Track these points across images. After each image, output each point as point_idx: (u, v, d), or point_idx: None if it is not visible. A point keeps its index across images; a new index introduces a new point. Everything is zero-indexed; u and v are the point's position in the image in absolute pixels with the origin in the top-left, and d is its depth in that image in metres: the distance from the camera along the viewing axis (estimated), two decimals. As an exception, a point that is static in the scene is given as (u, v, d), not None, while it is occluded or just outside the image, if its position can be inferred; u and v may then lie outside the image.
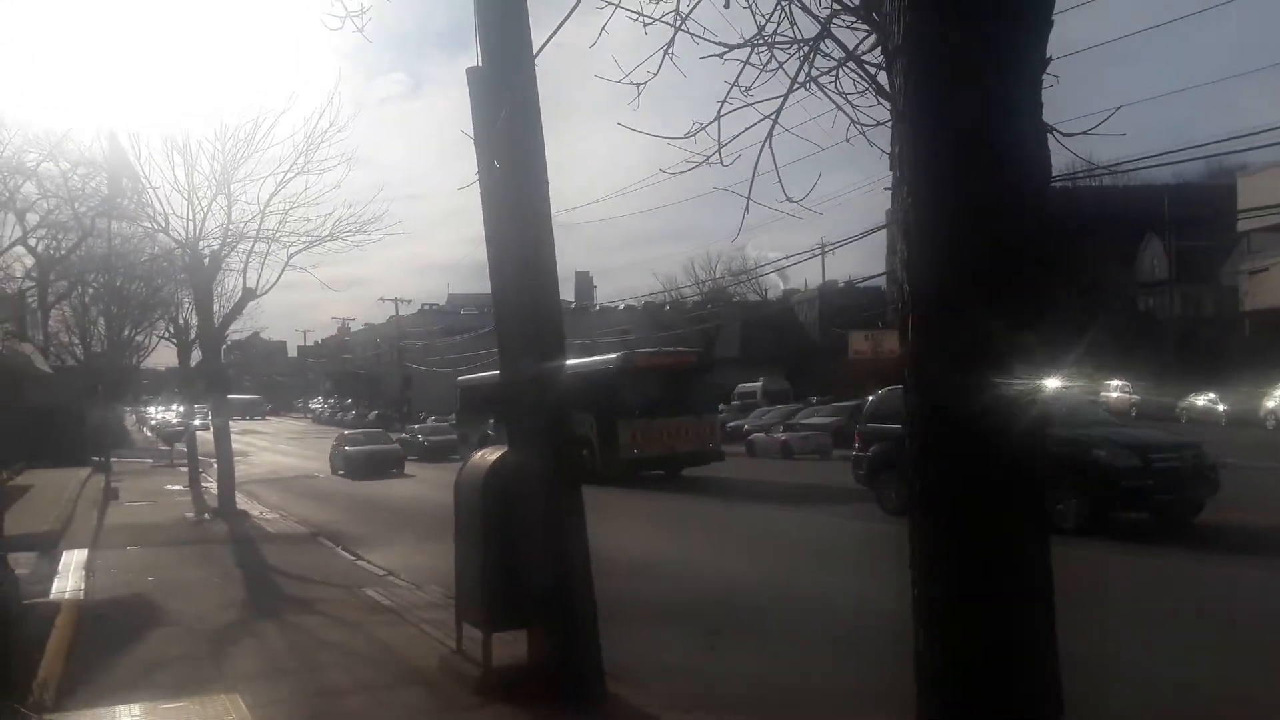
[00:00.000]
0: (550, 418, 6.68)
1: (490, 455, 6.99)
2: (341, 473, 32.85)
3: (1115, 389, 42.13)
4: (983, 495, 2.75)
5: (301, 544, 15.54)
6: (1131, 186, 52.95)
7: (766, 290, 71.24)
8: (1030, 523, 2.76)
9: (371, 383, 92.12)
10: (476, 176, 6.82)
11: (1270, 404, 33.88)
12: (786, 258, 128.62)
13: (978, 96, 2.73)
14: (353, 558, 13.84)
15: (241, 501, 20.39)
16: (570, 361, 30.77)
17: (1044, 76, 2.93)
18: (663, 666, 7.34)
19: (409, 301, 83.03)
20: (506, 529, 6.55)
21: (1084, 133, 4.17)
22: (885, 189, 38.61)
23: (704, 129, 3.71)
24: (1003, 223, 2.76)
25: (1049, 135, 3.49)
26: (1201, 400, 37.87)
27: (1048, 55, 2.88)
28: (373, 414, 78.97)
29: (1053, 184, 3.15)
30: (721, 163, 3.65)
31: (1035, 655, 2.74)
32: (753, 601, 9.91)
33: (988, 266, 2.75)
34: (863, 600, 9.12)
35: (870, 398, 19.00)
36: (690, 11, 3.68)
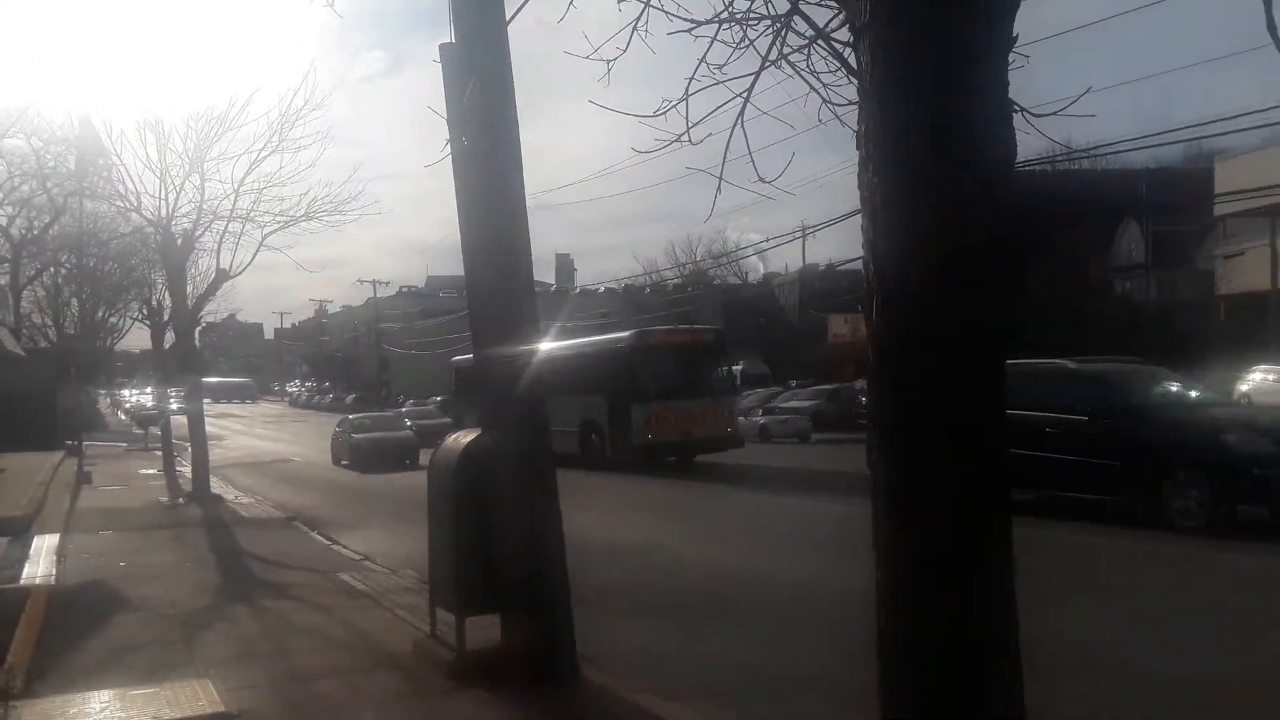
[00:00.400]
0: (524, 400, 6.63)
1: (464, 438, 6.94)
2: (346, 463, 29.21)
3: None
4: (946, 478, 2.74)
5: (276, 528, 15.45)
6: (1110, 171, 53.21)
7: (747, 273, 71.33)
8: (993, 505, 2.75)
9: (349, 365, 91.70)
10: (448, 155, 6.74)
11: (1244, 387, 34.23)
12: (767, 240, 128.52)
13: (942, 74, 2.70)
14: (328, 542, 13.77)
15: (216, 485, 20.25)
16: (579, 340, 27.14)
17: (1013, 56, 2.91)
18: (639, 651, 7.34)
19: (387, 284, 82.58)
20: (480, 512, 6.52)
21: (1053, 114, 4.15)
22: (863, 172, 38.62)
23: (674, 107, 3.67)
24: (968, 203, 2.73)
25: (1020, 116, 3.48)
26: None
27: (1014, 34, 2.86)
28: (350, 397, 78.67)
29: (1029, 167, 3.14)
30: (690, 141, 3.61)
31: (996, 635, 2.74)
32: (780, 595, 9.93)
33: (953, 247, 2.73)
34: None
35: None
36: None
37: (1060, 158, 31.39)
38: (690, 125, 3.56)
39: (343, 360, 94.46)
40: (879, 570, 2.83)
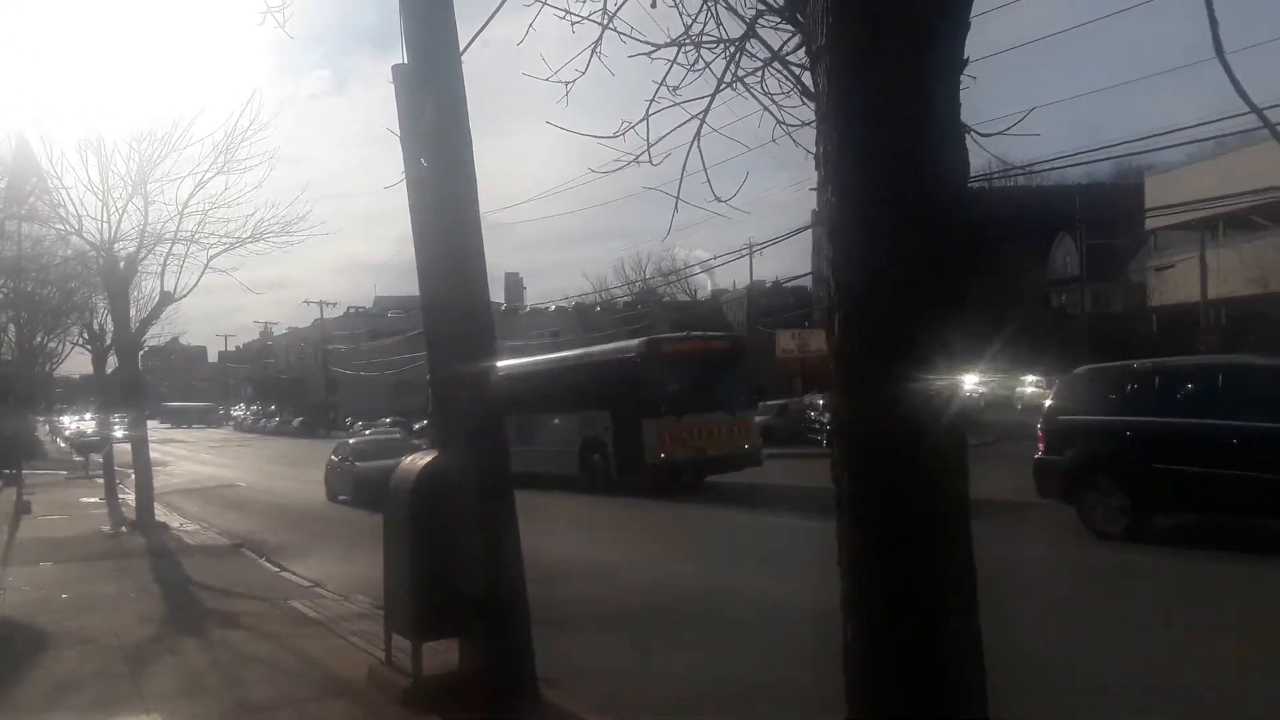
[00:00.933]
0: (482, 420, 6.60)
1: (420, 460, 6.88)
2: (345, 499, 23.66)
3: (1030, 383, 43.39)
4: (908, 490, 2.78)
5: (223, 556, 15.12)
6: (1044, 186, 54.59)
7: (696, 290, 71.72)
8: (955, 517, 2.80)
9: (295, 388, 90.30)
10: (403, 175, 6.72)
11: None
12: (715, 258, 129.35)
13: (898, 97, 2.76)
14: (276, 569, 13.52)
15: (160, 513, 19.76)
16: (578, 351, 26.77)
17: (961, 78, 2.99)
18: (602, 671, 7.30)
19: (334, 304, 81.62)
20: (437, 535, 6.46)
21: (1001, 133, 4.27)
22: (810, 189, 39.09)
23: (633, 128, 3.71)
24: (924, 221, 2.79)
25: (968, 136, 3.57)
26: (1114, 393, 39.06)
27: (966, 57, 2.94)
28: (297, 420, 77.42)
29: (970, 183, 3.21)
30: (650, 162, 3.65)
31: (960, 647, 2.78)
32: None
33: (910, 264, 2.78)
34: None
35: (1057, 382, 14.58)
36: (617, 10, 3.66)
37: (997, 174, 32.11)
38: (650, 145, 3.59)
39: (289, 383, 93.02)
40: (844, 583, 2.86)
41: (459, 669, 6.51)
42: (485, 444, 6.57)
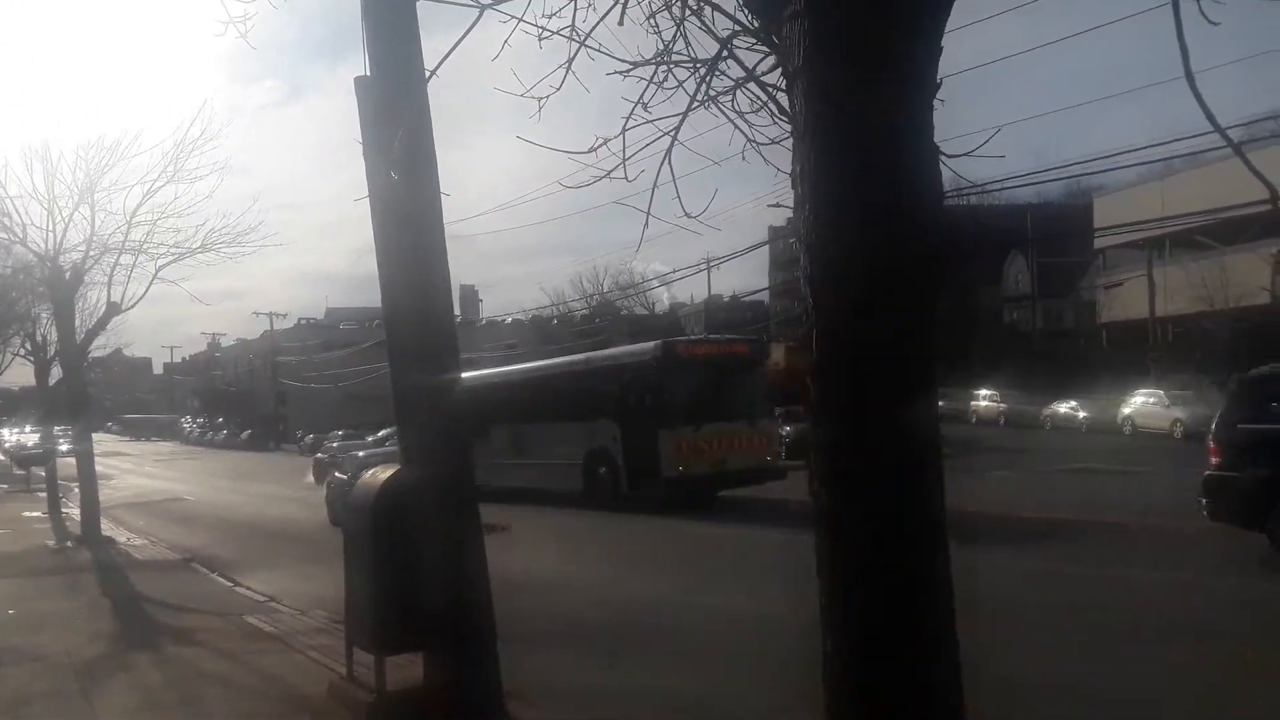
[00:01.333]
0: (445, 433, 6.56)
1: (382, 473, 6.82)
2: None
3: (984, 398, 44.12)
4: (886, 505, 2.83)
5: (173, 570, 14.83)
6: (997, 205, 55.64)
7: (654, 304, 71.94)
8: (933, 530, 2.85)
9: (244, 400, 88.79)
10: (367, 189, 6.68)
11: (1126, 410, 35.93)
12: (673, 271, 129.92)
13: (875, 119, 2.82)
14: (229, 584, 13.28)
15: (107, 527, 19.33)
16: (581, 356, 24.24)
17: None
18: (568, 686, 7.27)
19: (284, 315, 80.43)
20: (400, 549, 6.40)
21: (968, 154, 4.37)
22: (769, 205, 39.40)
23: (606, 144, 3.73)
24: (902, 240, 2.85)
25: (940, 155, 3.65)
26: (1063, 408, 39.91)
27: (939, 80, 3.01)
28: (246, 433, 76.15)
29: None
30: (626, 178, 3.68)
31: (940, 658, 2.83)
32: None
33: (889, 282, 2.84)
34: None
35: (1233, 384, 12.14)
36: (591, 30, 3.69)
37: (953, 193, 32.65)
38: (625, 159, 3.62)
39: (237, 395, 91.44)
40: (823, 596, 2.89)
41: (423, 684, 6.46)
42: (448, 457, 6.54)
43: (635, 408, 20.20)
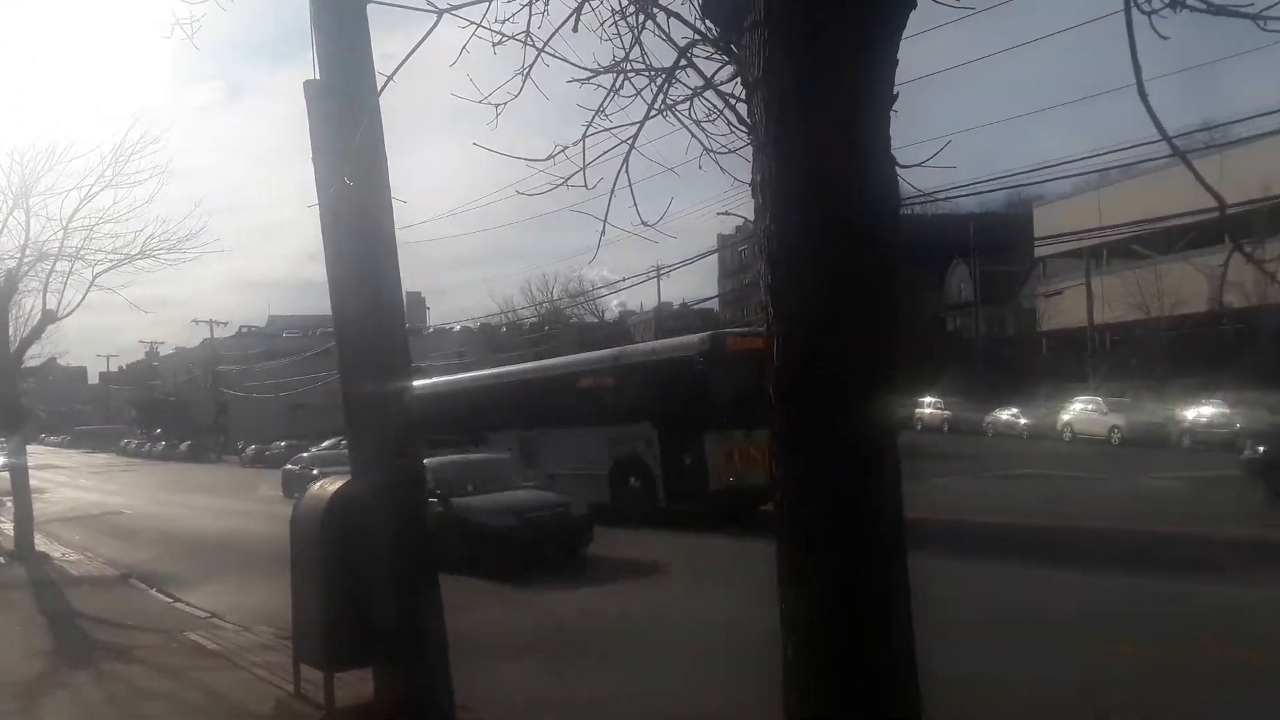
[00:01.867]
0: (396, 442, 6.47)
1: (330, 485, 6.71)
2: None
3: (928, 405, 44.77)
4: (849, 510, 2.84)
5: (111, 586, 14.41)
6: (940, 214, 56.56)
7: (603, 312, 71.92)
8: (891, 534, 2.87)
9: (182, 410, 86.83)
10: (317, 195, 6.57)
11: (1066, 417, 36.67)
12: (623, 280, 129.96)
13: (835, 129, 2.84)
14: (170, 600, 12.94)
15: (41, 542, 18.75)
16: (606, 353, 21.69)
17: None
18: (524, 698, 7.19)
19: (225, 323, 78.90)
20: (349, 562, 6.30)
21: (921, 164, 4.43)
22: (717, 213, 39.65)
23: (564, 152, 3.70)
24: (861, 247, 2.87)
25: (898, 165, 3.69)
26: (1005, 415, 40.61)
27: (895, 92, 3.04)
28: (185, 444, 74.49)
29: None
30: (586, 186, 3.65)
31: (897, 663, 2.85)
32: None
33: (848, 289, 2.86)
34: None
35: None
36: (550, 39, 3.66)
37: (902, 203, 33.06)
38: (585, 166, 3.60)
39: (176, 405, 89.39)
40: (784, 603, 2.89)
41: (374, 700, 6.35)
42: (401, 467, 6.44)
43: (677, 410, 17.61)
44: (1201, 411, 30.60)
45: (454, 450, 21.15)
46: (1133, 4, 2.59)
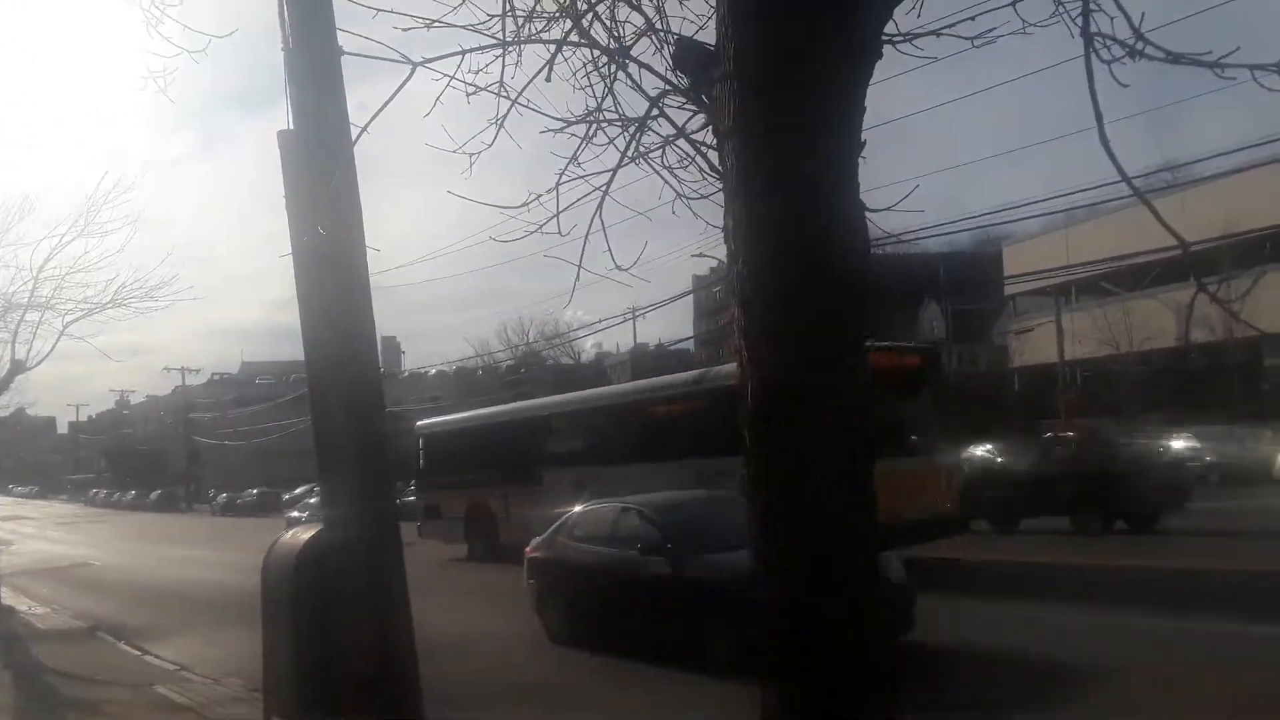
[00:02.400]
0: (372, 489, 6.41)
1: (302, 534, 6.63)
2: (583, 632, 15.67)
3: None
4: (827, 550, 2.86)
5: (79, 640, 14.08)
6: (911, 254, 57.31)
7: (579, 354, 71.95)
8: (869, 575, 2.88)
9: (154, 459, 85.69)
10: (290, 243, 6.57)
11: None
12: (598, 321, 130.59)
13: (803, 177, 2.88)
14: (139, 653, 12.66)
15: (7, 595, 18.35)
16: (694, 374, 18.34)
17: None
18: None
19: (197, 371, 78.18)
20: (321, 612, 6.20)
21: (888, 209, 4.52)
22: (692, 255, 39.93)
23: (539, 199, 3.74)
24: (833, 292, 2.91)
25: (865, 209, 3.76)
26: (980, 451, 40.74)
27: (863, 140, 3.10)
28: (155, 493, 73.43)
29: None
30: (560, 233, 3.68)
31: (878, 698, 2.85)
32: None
33: (821, 332, 2.89)
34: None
35: None
36: (523, 89, 3.71)
37: (874, 244, 33.60)
38: (559, 212, 3.63)
39: (147, 454, 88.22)
40: (765, 642, 2.90)
41: (347, 753, 6.22)
42: (375, 514, 6.38)
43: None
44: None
45: (513, 492, 20.34)
46: (1092, 52, 2.67)
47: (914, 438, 15.50)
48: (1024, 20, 3.17)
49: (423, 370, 71.14)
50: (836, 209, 2.94)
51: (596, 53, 3.82)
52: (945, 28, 3.37)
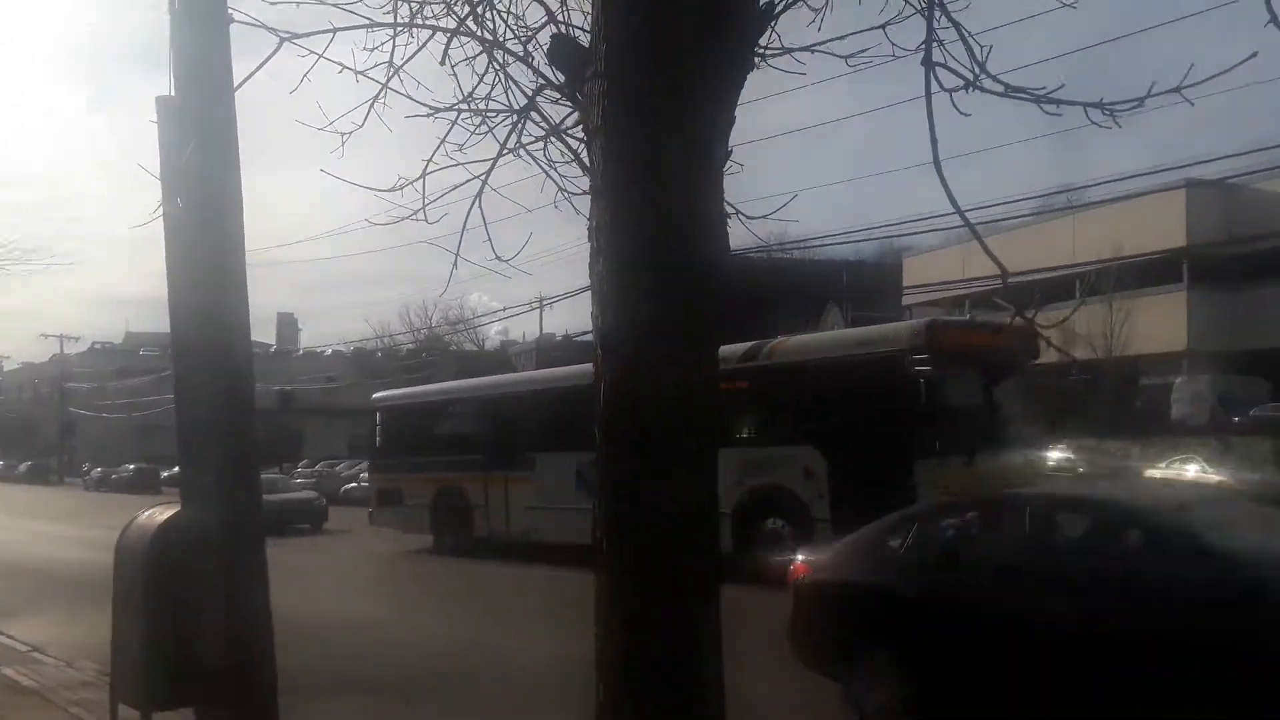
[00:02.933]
0: (235, 470, 6.20)
1: (159, 514, 6.37)
2: None
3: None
4: (668, 552, 2.86)
5: (-81, 618, 13.31)
6: (817, 261, 58.55)
7: (484, 341, 71.19)
8: (702, 582, 2.89)
9: (25, 430, 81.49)
10: (159, 213, 6.30)
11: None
12: (504, 309, 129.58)
13: (666, 182, 2.90)
14: (-11, 632, 12.05)
15: None
16: (756, 345, 14.02)
17: (730, 164, 3.18)
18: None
19: (77, 339, 74.72)
20: (174, 596, 5.97)
21: (764, 216, 4.59)
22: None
23: (410, 184, 3.67)
24: (689, 293, 2.93)
25: (737, 217, 3.80)
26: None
27: (729, 149, 3.13)
28: (24, 465, 69.89)
29: (748, 254, 3.41)
30: (425, 220, 3.62)
31: (707, 707, 2.87)
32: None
33: (675, 333, 2.90)
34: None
35: None
36: (394, 73, 3.63)
37: (776, 247, 34.25)
38: (425, 204, 3.57)
39: (18, 423, 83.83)
40: (599, 643, 2.89)
41: (195, 743, 6.01)
42: (236, 495, 6.17)
43: (871, 428, 12.51)
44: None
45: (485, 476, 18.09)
46: (933, 83, 2.75)
47: (1018, 429, 13.54)
48: (893, 44, 3.23)
49: (319, 349, 69.42)
50: (697, 214, 2.96)
51: (486, 44, 3.77)
52: (818, 44, 3.43)
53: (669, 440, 2.88)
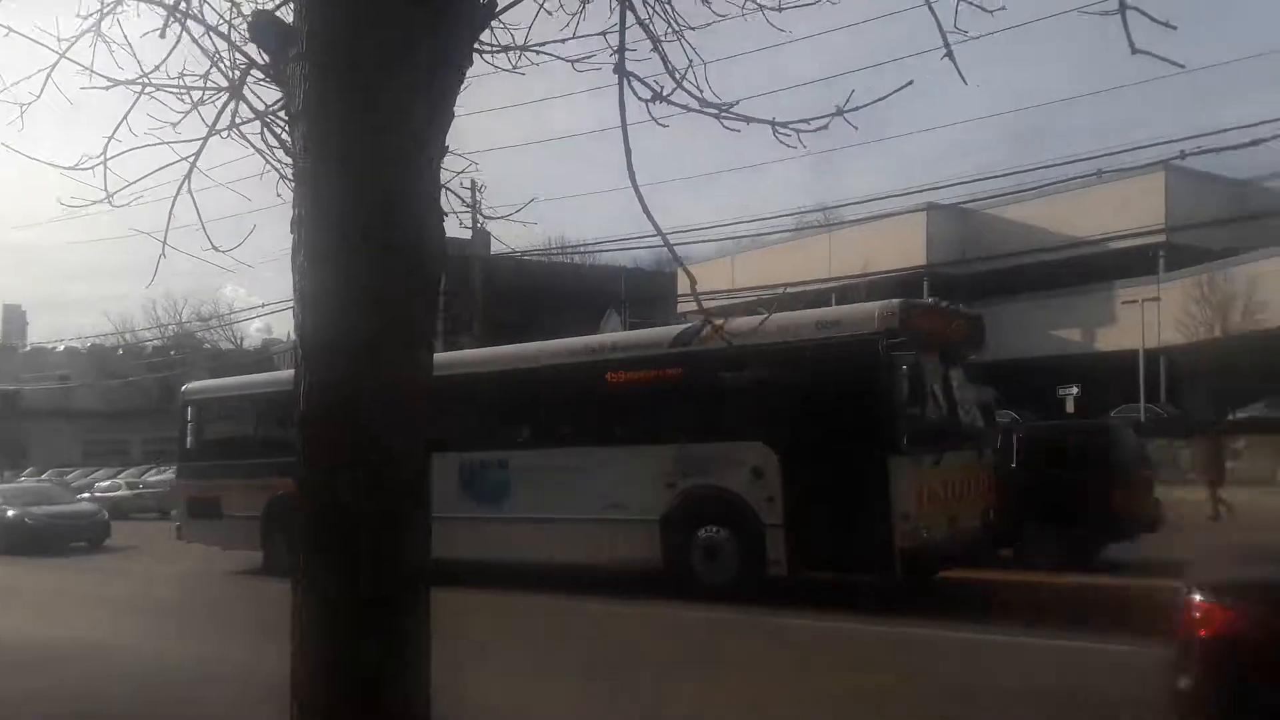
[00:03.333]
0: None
1: None
2: None
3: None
4: (374, 556, 2.76)
5: None
6: (599, 266, 59.52)
7: (242, 338, 67.17)
8: (416, 585, 2.82)
9: None
10: None
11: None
12: (262, 305, 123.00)
13: (371, 175, 2.76)
14: None
15: None
16: (728, 325, 9.19)
17: (465, 162, 3.11)
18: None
19: None
20: None
21: (502, 218, 4.60)
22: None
23: (95, 165, 3.36)
24: (395, 290, 2.81)
25: (481, 217, 3.74)
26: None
27: (446, 145, 3.06)
28: None
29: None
30: (111, 204, 3.33)
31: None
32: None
33: (379, 333, 2.79)
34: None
35: None
36: (74, 42, 3.33)
37: (555, 251, 34.53)
38: (109, 193, 3.28)
39: None
40: (294, 661, 2.76)
41: None
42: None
43: (837, 418, 11.04)
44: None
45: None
46: (629, 97, 2.81)
47: (975, 424, 12.57)
48: (613, 49, 3.25)
49: (50, 345, 62.61)
50: (409, 210, 2.85)
51: (177, 14, 3.51)
52: (539, 44, 3.42)
53: (370, 444, 2.77)
